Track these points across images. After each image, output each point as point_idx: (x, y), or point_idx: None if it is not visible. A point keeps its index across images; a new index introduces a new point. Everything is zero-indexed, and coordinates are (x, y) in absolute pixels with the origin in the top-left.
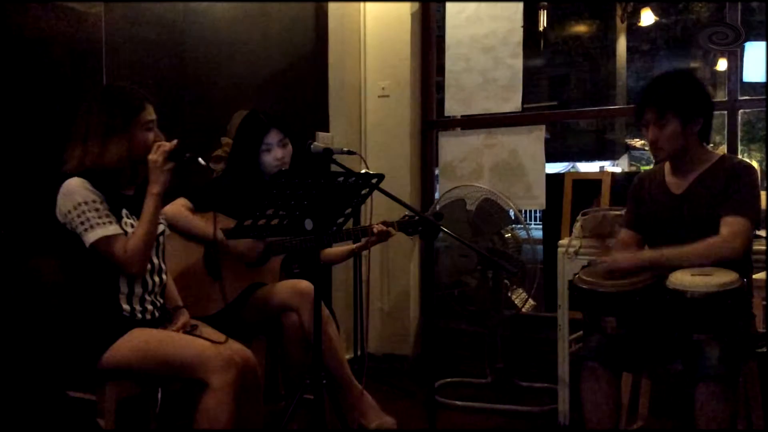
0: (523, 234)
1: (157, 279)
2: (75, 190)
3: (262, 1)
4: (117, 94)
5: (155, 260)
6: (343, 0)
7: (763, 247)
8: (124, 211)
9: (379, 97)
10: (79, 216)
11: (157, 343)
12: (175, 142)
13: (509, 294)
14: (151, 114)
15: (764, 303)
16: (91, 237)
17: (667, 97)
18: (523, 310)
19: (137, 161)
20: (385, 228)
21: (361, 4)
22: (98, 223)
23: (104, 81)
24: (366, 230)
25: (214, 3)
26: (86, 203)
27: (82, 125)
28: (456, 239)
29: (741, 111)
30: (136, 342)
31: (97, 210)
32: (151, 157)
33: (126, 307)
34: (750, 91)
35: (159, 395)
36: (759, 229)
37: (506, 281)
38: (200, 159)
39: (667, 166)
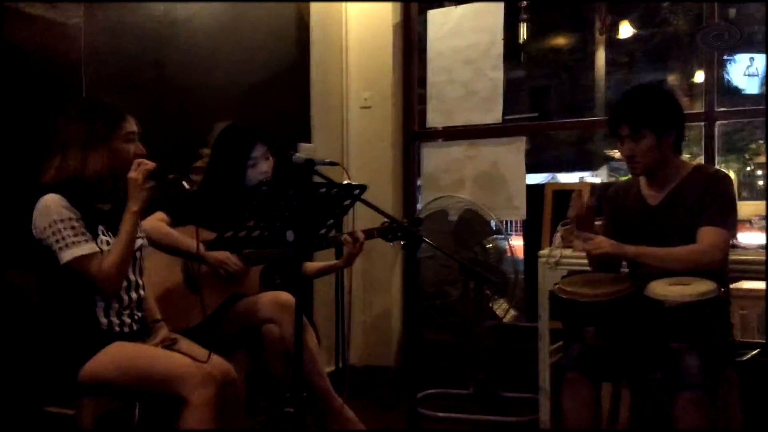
0: (504, 244)
1: (134, 295)
2: (51, 207)
3: (244, 1)
4: (97, 106)
5: (132, 276)
6: (328, 0)
7: (747, 257)
8: (101, 228)
9: (361, 108)
10: (54, 234)
11: (135, 357)
12: (155, 164)
13: (491, 304)
14: (131, 126)
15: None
16: (66, 256)
17: (641, 112)
18: (505, 320)
19: (117, 173)
20: (350, 238)
21: (343, 15)
22: (74, 242)
23: (84, 92)
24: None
25: (195, 14)
26: (62, 221)
27: (62, 136)
28: (438, 250)
29: (718, 122)
30: (114, 356)
31: (73, 228)
32: (131, 174)
33: (104, 320)
34: (727, 102)
35: (137, 410)
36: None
37: (488, 292)
38: (184, 182)
39: (642, 177)
